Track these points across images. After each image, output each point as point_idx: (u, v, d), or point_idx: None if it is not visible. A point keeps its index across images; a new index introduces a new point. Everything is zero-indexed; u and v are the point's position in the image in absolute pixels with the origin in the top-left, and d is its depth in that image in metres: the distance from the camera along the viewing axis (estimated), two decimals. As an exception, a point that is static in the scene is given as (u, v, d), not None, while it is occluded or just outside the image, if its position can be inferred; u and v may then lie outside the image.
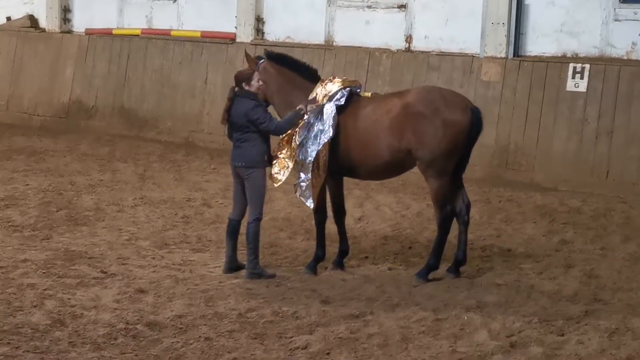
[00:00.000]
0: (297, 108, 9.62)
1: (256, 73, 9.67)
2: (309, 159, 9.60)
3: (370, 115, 9.75)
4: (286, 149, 9.70)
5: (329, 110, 9.64)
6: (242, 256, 9.86)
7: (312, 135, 9.63)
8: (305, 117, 9.59)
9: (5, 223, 11.54)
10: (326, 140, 9.56)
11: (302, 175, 9.69)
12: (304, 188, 9.70)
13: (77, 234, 11.22)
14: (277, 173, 9.71)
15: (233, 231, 9.80)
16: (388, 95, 10.25)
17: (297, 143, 9.60)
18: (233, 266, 9.82)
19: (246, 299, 8.98)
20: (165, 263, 10.10)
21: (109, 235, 11.20)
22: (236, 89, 9.59)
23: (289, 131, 9.63)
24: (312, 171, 9.62)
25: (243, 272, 9.72)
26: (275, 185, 9.84)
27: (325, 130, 9.58)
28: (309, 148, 9.61)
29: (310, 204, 9.75)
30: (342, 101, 9.71)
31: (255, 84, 9.59)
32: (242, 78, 9.61)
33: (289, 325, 8.36)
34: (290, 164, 9.66)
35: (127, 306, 8.67)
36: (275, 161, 9.72)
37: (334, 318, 8.53)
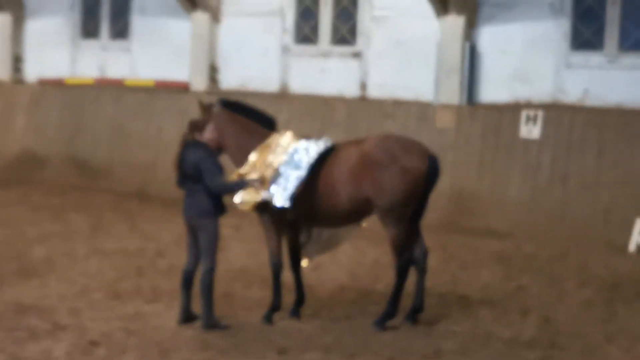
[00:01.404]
0: (249, 180, 9.50)
1: (211, 124, 9.58)
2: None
3: (328, 164, 9.70)
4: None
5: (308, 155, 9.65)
6: (197, 307, 9.71)
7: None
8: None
9: (-47, 275, 11.32)
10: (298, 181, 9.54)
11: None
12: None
13: (28, 285, 11.00)
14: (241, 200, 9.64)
15: (187, 282, 9.66)
16: (345, 143, 10.21)
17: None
18: (188, 317, 9.67)
19: (201, 351, 8.82)
20: (118, 314, 9.91)
21: (60, 286, 11.00)
22: (188, 136, 9.50)
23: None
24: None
25: (198, 323, 9.57)
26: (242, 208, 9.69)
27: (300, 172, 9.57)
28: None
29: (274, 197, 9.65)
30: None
31: (208, 135, 9.49)
32: (195, 127, 9.51)
33: (245, 376, 8.23)
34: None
35: (79, 359, 8.48)
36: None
37: (291, 368, 8.41)
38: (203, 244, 9.42)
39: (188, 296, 9.65)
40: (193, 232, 9.54)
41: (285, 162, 9.65)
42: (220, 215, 9.49)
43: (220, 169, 9.36)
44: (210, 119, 9.74)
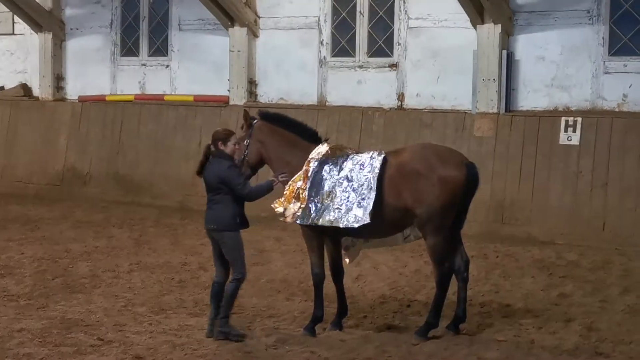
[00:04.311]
0: (269, 179, 9.59)
1: (234, 135, 9.56)
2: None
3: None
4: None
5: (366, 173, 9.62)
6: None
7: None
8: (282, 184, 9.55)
9: (0, 292, 11.46)
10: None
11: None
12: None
13: (73, 301, 11.13)
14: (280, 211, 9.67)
15: (216, 293, 9.62)
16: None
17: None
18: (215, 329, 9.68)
19: (245, 363, 8.88)
20: (162, 328, 10.01)
21: (105, 302, 11.12)
22: (212, 147, 9.52)
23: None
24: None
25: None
26: (286, 220, 9.71)
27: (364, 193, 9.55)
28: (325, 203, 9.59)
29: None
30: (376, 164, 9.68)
31: (231, 146, 9.45)
32: (219, 137, 9.44)
33: (289, 388, 8.26)
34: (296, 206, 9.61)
35: (125, 373, 8.58)
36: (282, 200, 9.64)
37: (334, 379, 8.43)
38: (229, 257, 9.46)
39: (217, 308, 9.65)
40: (216, 243, 9.57)
41: (337, 179, 9.64)
42: (241, 228, 9.49)
43: (244, 179, 9.42)
44: (248, 132, 9.85)
